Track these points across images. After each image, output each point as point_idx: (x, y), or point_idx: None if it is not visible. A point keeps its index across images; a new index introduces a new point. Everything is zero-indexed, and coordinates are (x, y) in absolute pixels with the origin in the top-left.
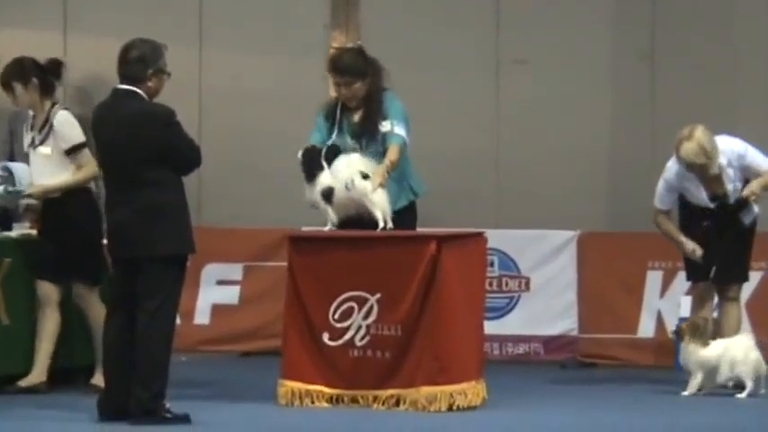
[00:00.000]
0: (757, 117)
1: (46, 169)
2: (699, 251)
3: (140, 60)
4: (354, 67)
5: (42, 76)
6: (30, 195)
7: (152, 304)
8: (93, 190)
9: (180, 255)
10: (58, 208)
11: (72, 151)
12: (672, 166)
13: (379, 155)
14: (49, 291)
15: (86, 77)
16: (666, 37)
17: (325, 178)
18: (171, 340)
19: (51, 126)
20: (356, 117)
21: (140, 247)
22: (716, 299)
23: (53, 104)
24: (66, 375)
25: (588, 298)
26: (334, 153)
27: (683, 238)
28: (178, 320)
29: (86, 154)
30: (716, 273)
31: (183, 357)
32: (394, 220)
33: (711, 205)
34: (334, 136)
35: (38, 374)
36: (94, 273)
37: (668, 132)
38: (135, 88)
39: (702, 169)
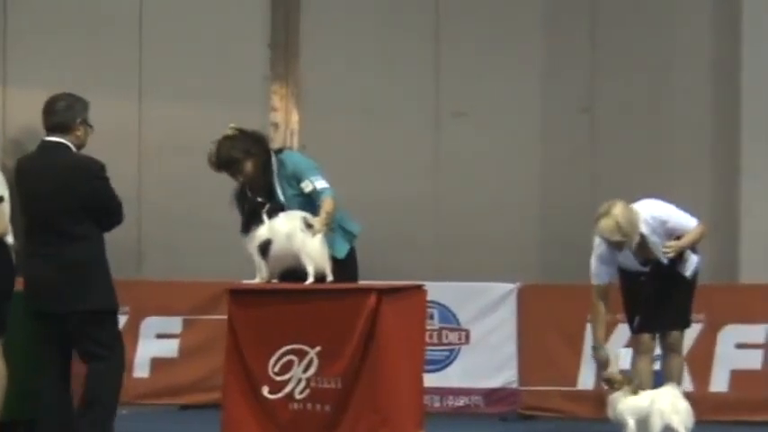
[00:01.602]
0: (696, 167)
1: None
2: (608, 366)
3: (69, 108)
4: (232, 155)
5: None
6: None
7: (98, 359)
8: (9, 243)
9: (110, 309)
10: None
11: None
12: (601, 242)
13: (308, 209)
14: None
15: (24, 131)
16: (605, 88)
17: (262, 231)
18: (119, 392)
19: None
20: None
21: (70, 302)
22: (658, 350)
23: None
24: None
25: (528, 350)
26: (276, 211)
27: (600, 344)
28: None
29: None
30: (654, 320)
31: (123, 410)
32: (340, 269)
33: (646, 269)
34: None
35: None
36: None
37: (608, 184)
38: (63, 140)
39: (619, 246)
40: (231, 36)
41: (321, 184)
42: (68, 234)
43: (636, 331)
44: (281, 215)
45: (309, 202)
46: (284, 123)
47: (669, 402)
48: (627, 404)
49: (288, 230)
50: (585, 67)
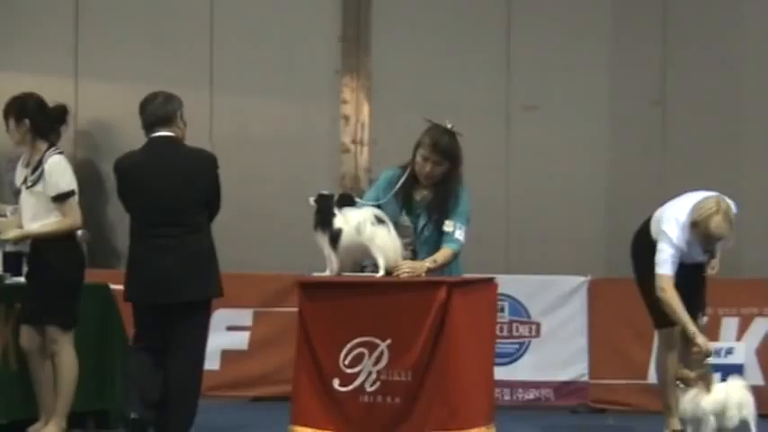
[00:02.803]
0: (766, 161)
1: (33, 211)
2: (709, 345)
3: (168, 101)
4: (451, 151)
5: (40, 118)
6: (6, 240)
7: (197, 348)
8: (77, 236)
9: (218, 297)
10: (40, 252)
11: (58, 199)
12: (681, 235)
13: (429, 243)
14: (28, 337)
15: (96, 123)
16: (677, 82)
17: (336, 222)
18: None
19: (43, 169)
20: (420, 196)
21: (192, 290)
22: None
23: (50, 146)
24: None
25: (599, 344)
26: (347, 200)
27: (694, 328)
28: None
29: (72, 203)
30: (689, 309)
31: None
32: None
33: (704, 258)
34: (385, 201)
35: (54, 426)
36: (69, 317)
37: (679, 177)
38: (171, 134)
39: (721, 239)
40: (302, 29)
41: (459, 233)
42: (191, 225)
43: (671, 323)
44: (355, 209)
45: (437, 239)
46: (355, 116)
47: (744, 393)
48: (707, 401)
49: (357, 222)
50: (657, 60)
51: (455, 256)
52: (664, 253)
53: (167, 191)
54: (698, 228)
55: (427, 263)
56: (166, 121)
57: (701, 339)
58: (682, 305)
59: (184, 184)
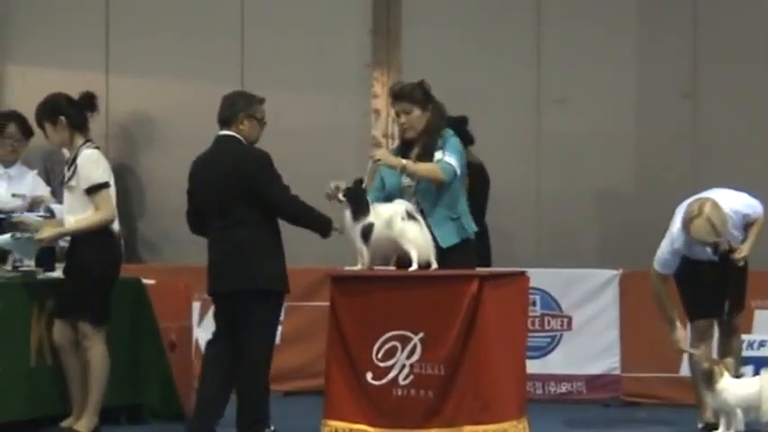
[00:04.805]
0: None
1: (71, 207)
2: (684, 344)
3: (231, 104)
4: (412, 94)
5: (73, 112)
6: (40, 240)
7: (259, 338)
8: (114, 231)
9: (275, 290)
10: (77, 247)
11: (91, 191)
12: (681, 235)
13: (432, 192)
14: (60, 332)
15: (128, 118)
16: (708, 74)
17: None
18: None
19: (77, 164)
20: (414, 153)
21: (231, 282)
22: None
23: (85, 141)
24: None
25: (631, 336)
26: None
27: (678, 324)
28: None
29: (104, 195)
30: (720, 305)
31: None
32: (446, 257)
33: (716, 259)
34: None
35: (85, 422)
36: (101, 313)
37: (710, 171)
38: (232, 132)
39: (715, 246)
40: (333, 23)
41: (449, 158)
42: (235, 218)
43: (702, 316)
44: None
45: (435, 192)
46: (385, 110)
47: None
48: (733, 393)
49: (388, 216)
50: (687, 52)
51: (442, 173)
52: (661, 252)
53: (214, 187)
54: (684, 230)
55: (405, 161)
56: (227, 122)
57: (677, 334)
58: (668, 299)
59: (227, 180)
